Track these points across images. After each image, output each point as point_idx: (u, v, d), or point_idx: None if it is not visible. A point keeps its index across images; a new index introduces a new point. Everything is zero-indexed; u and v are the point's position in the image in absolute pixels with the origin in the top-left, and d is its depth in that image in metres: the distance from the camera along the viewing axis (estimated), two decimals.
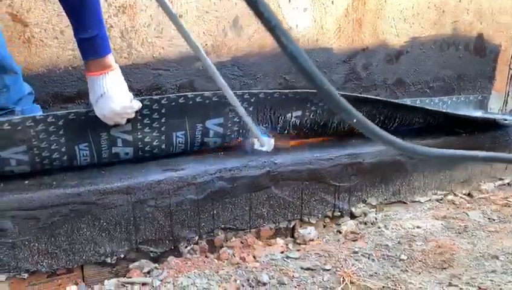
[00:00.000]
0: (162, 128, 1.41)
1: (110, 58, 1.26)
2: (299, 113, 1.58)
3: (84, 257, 1.26)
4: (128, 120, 1.33)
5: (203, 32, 1.74)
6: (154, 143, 1.43)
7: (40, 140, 1.26)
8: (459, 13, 2.28)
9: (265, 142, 1.48)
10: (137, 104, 1.32)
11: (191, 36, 1.18)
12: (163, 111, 1.38)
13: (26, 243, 1.18)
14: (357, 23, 2.04)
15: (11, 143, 1.23)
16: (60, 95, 1.58)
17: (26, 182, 1.27)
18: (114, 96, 1.25)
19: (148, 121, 1.38)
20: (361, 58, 2.10)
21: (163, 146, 1.45)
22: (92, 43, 1.21)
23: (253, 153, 1.51)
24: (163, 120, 1.40)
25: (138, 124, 1.37)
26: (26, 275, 1.20)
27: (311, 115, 1.60)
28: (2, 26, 1.42)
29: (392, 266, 1.33)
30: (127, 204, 1.28)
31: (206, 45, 1.75)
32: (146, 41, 1.66)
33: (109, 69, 1.25)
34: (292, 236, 1.56)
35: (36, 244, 1.20)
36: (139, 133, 1.39)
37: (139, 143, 1.41)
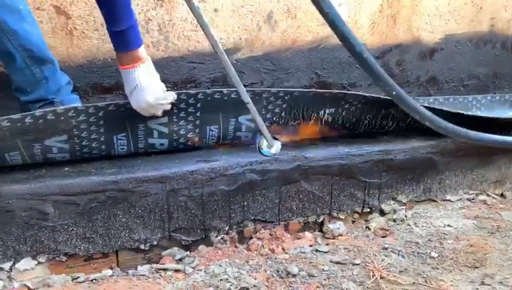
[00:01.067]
0: (197, 122, 1.44)
1: (141, 51, 1.28)
2: (332, 110, 1.58)
3: (119, 243, 1.30)
4: (165, 113, 1.36)
5: (238, 27, 1.77)
6: (189, 136, 1.46)
7: (81, 130, 1.30)
8: (496, 10, 2.23)
9: (273, 144, 1.40)
10: (171, 95, 1.34)
11: (211, 31, 1.18)
12: (198, 105, 1.41)
13: (66, 227, 1.23)
14: (391, 19, 2.02)
15: (54, 132, 1.27)
16: (99, 86, 1.63)
17: (67, 168, 1.32)
18: (147, 88, 1.28)
19: (184, 115, 1.41)
20: (394, 55, 2.08)
21: (196, 139, 1.48)
22: (123, 36, 1.24)
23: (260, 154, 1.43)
24: (198, 114, 1.42)
25: (174, 117, 1.40)
26: (64, 258, 1.25)
27: (344, 112, 1.60)
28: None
29: (422, 263, 1.32)
30: (162, 193, 1.31)
31: (240, 39, 1.77)
32: (182, 34, 1.69)
33: (140, 61, 1.28)
34: (320, 230, 1.56)
35: (75, 229, 1.24)
36: (174, 126, 1.42)
37: (174, 135, 1.44)
